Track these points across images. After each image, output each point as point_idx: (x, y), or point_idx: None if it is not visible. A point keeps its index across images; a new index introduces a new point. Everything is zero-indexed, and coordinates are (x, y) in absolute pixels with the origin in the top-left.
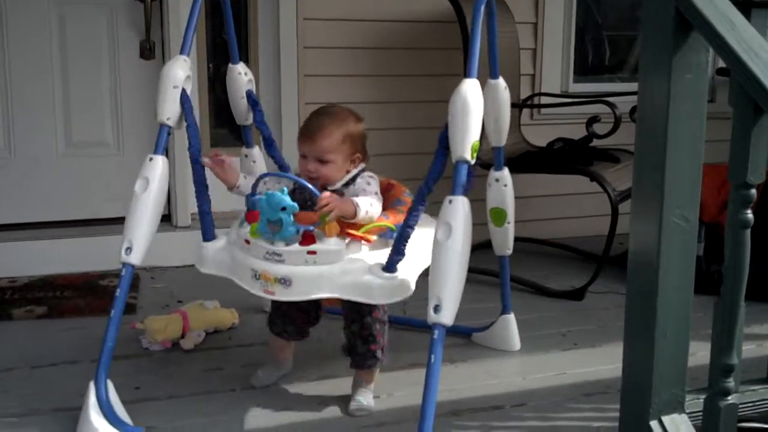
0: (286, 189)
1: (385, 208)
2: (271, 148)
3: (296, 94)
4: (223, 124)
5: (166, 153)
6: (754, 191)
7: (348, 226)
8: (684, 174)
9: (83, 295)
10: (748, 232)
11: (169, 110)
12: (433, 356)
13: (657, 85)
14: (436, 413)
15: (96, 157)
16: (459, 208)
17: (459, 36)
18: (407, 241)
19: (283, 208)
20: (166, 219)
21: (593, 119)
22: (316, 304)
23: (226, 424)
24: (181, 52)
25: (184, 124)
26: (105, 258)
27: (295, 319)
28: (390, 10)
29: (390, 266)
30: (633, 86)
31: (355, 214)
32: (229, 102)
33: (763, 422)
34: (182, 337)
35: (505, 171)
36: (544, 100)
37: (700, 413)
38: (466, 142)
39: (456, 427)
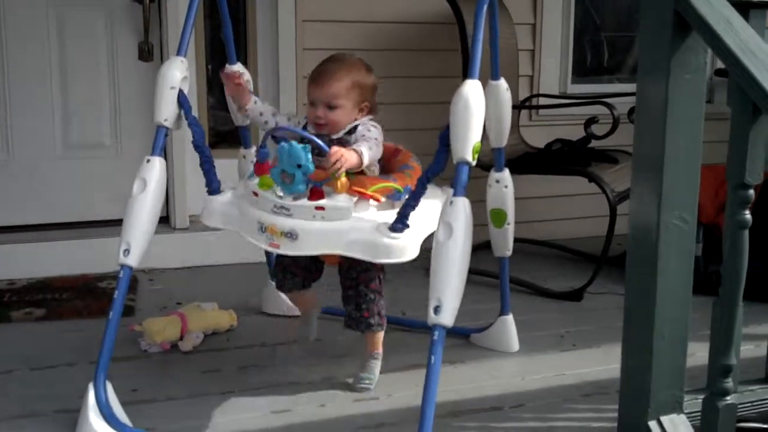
0: (309, 146)
1: (392, 171)
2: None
3: (295, 95)
4: (222, 125)
5: (164, 154)
6: (752, 192)
7: (357, 183)
8: (682, 175)
9: (82, 297)
10: (747, 232)
11: (166, 111)
12: (433, 357)
13: (655, 86)
14: (436, 414)
15: (94, 158)
16: (460, 209)
17: (457, 38)
18: (412, 211)
19: (299, 166)
20: (164, 220)
21: (591, 120)
22: (318, 261)
23: (225, 425)
24: (178, 53)
25: (183, 124)
26: (103, 260)
27: (296, 274)
28: (388, 11)
29: (397, 227)
30: (631, 87)
31: (360, 163)
32: (227, 103)
33: (761, 422)
34: (181, 338)
35: (506, 172)
36: (543, 101)
37: (699, 413)
38: (468, 143)
39: (455, 428)
